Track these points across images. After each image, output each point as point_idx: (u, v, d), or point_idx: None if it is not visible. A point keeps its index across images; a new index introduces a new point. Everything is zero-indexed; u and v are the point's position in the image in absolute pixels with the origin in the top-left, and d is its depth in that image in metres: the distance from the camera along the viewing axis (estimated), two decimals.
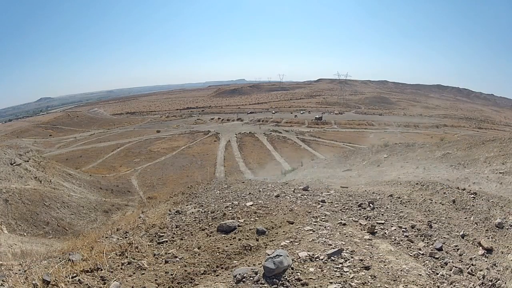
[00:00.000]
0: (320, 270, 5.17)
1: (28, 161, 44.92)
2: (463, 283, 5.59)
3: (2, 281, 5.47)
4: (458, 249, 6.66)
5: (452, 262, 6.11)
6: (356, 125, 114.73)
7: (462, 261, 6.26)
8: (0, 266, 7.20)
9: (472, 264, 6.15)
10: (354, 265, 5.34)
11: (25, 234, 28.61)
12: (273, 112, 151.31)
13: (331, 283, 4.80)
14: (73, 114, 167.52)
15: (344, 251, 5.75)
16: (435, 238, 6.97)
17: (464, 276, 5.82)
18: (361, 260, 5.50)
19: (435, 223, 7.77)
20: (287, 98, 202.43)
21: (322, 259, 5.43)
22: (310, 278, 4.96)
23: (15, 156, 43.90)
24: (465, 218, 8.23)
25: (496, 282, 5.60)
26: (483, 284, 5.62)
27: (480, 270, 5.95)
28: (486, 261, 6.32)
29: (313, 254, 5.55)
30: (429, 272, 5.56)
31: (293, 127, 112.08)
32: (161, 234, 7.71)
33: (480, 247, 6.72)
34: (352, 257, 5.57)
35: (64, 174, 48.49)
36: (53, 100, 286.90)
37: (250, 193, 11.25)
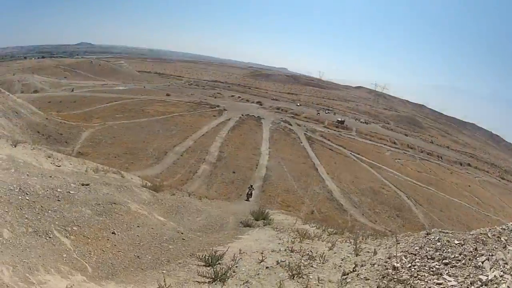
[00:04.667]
0: None
1: None
2: None
3: None
4: None
5: None
6: (378, 138, 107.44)
7: None
8: None
9: None
10: None
11: None
12: (298, 104, 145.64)
13: None
14: (96, 62, 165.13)
15: None
16: None
17: None
18: None
19: None
20: (320, 96, 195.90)
21: None
22: None
23: None
24: None
25: None
26: None
27: None
28: None
29: None
30: None
31: (309, 123, 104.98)
32: None
33: None
34: None
35: (10, 111, 45.74)
36: (92, 47, 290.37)
37: None
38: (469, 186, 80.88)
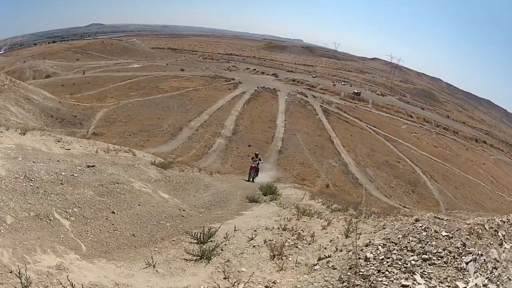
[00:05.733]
0: None
1: None
2: None
3: None
4: None
5: None
6: (394, 111, 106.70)
7: None
8: None
9: None
10: None
11: None
12: (314, 76, 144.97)
13: None
14: (107, 42, 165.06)
15: None
16: None
17: None
18: None
19: None
20: (336, 67, 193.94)
21: None
22: None
23: None
24: None
25: None
26: None
27: None
28: None
29: None
30: None
31: (325, 95, 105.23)
32: None
33: None
34: None
35: (22, 99, 46.23)
36: (104, 27, 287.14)
37: None
38: (484, 164, 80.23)
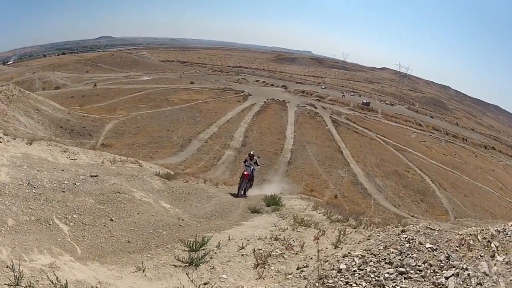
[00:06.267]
0: None
1: None
2: None
3: None
4: None
5: None
6: (403, 120, 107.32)
7: None
8: None
9: None
10: None
11: None
12: (323, 87, 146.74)
13: None
14: (117, 55, 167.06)
15: None
16: None
17: None
18: None
19: None
20: (345, 78, 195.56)
21: None
22: None
23: None
24: None
25: None
26: None
27: None
28: None
29: None
30: None
31: (334, 106, 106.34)
32: None
33: None
34: None
35: (31, 109, 47.11)
36: (114, 40, 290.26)
37: None
38: (493, 170, 79.83)
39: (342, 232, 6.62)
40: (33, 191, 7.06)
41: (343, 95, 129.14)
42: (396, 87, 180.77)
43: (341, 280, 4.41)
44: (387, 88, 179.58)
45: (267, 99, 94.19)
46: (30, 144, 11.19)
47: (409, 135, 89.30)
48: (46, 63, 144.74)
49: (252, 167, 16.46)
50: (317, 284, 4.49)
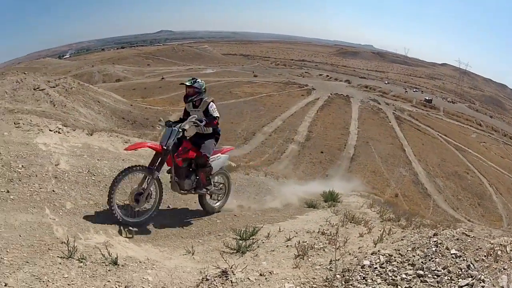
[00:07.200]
0: None
1: (55, 87, 43.30)
2: None
3: None
4: None
5: None
6: (464, 119, 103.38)
7: None
8: None
9: None
10: None
11: None
12: (386, 82, 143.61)
13: None
14: (178, 48, 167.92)
15: None
16: None
17: None
18: None
19: None
20: (407, 73, 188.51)
21: None
22: None
23: (42, 83, 41.74)
24: None
25: None
26: None
27: None
28: None
29: None
30: None
31: (397, 102, 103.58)
32: None
33: None
34: None
35: (91, 101, 47.27)
36: (173, 34, 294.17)
37: None
38: None
39: (386, 231, 6.43)
40: (93, 178, 7.40)
41: (406, 91, 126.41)
42: (457, 84, 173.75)
43: (360, 275, 4.45)
44: (448, 85, 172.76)
45: (331, 94, 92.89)
46: (91, 134, 11.46)
47: (470, 135, 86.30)
48: (105, 57, 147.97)
49: (195, 123, 7.15)
50: (338, 276, 4.57)
